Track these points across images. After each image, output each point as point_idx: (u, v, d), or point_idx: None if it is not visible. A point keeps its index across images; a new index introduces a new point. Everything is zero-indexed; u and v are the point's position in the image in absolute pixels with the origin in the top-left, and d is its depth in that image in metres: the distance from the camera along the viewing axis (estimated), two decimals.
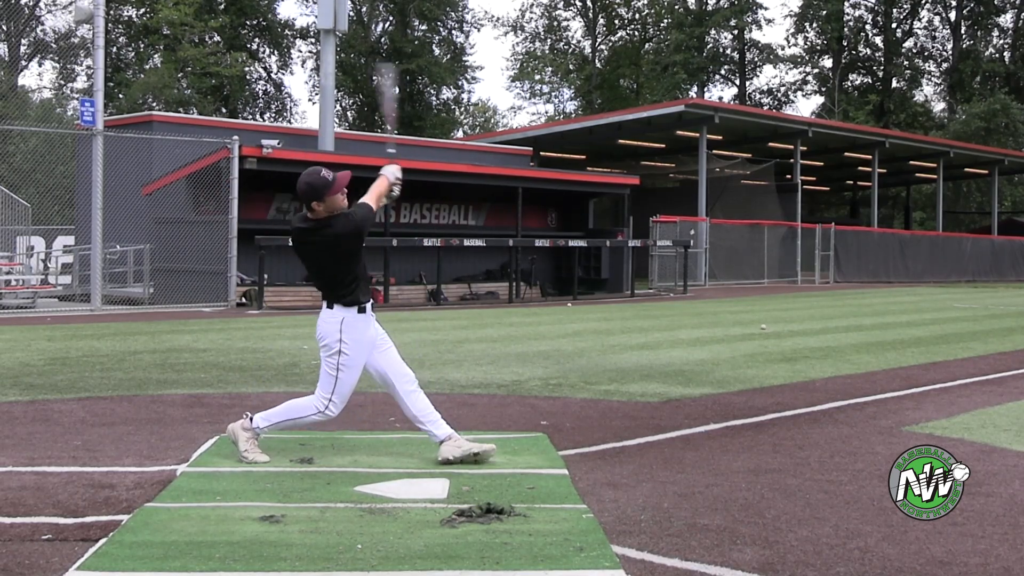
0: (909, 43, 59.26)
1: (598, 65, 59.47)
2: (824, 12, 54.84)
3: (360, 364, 5.32)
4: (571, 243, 23.26)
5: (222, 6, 44.83)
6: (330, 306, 5.29)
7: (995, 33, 59.31)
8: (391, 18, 52.12)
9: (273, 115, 50.24)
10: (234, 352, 10.53)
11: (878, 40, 58.49)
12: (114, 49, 42.71)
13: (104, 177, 16.79)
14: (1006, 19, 58.62)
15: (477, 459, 5.28)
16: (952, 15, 58.33)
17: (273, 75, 51.05)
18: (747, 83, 59.94)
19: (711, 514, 4.49)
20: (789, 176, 35.16)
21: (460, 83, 54.28)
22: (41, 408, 7.08)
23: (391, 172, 5.50)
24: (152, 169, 19.55)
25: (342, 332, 5.23)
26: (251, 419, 5.40)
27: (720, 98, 59.33)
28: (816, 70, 59.74)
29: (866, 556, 3.93)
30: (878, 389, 8.50)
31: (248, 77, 48.09)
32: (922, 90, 61.39)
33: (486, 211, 24.49)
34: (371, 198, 5.39)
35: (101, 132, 16.89)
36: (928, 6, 59.60)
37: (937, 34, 59.93)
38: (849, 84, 59.21)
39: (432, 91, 52.77)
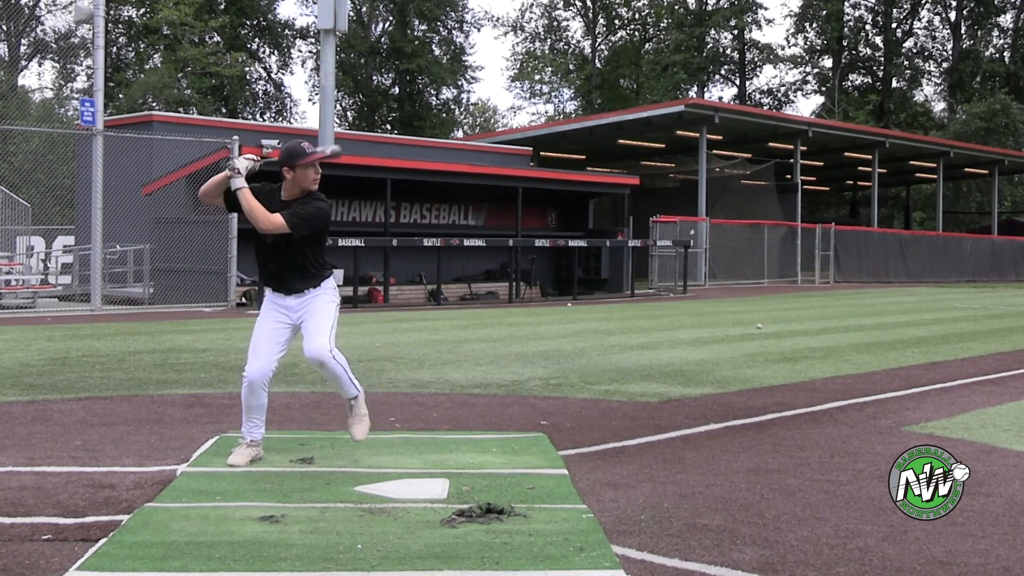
0: (909, 43, 59.29)
1: (598, 65, 59.46)
2: (824, 12, 54.85)
3: (257, 328, 5.38)
4: (571, 243, 23.25)
5: (222, 6, 44.82)
6: None
7: (995, 33, 59.32)
8: (391, 18, 52.13)
9: (273, 115, 50.25)
10: (234, 352, 10.52)
11: (878, 40, 58.49)
12: (114, 49, 42.69)
13: (104, 177, 16.79)
14: (1006, 19, 58.67)
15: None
16: (952, 15, 58.36)
17: (273, 75, 51.14)
18: (747, 83, 59.95)
19: (711, 514, 4.49)
20: (789, 176, 35.16)
21: (460, 83, 54.29)
22: (41, 408, 7.08)
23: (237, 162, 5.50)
24: (152, 169, 19.56)
25: None
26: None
27: (720, 98, 59.36)
28: (816, 70, 59.76)
29: (866, 556, 3.93)
30: (878, 389, 8.50)
31: (248, 77, 48.10)
32: (922, 90, 61.49)
33: (486, 211, 24.49)
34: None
35: (101, 132, 16.89)
36: (928, 6, 59.62)
37: (937, 34, 60.00)
38: (849, 84, 59.19)
39: (432, 91, 52.76)
